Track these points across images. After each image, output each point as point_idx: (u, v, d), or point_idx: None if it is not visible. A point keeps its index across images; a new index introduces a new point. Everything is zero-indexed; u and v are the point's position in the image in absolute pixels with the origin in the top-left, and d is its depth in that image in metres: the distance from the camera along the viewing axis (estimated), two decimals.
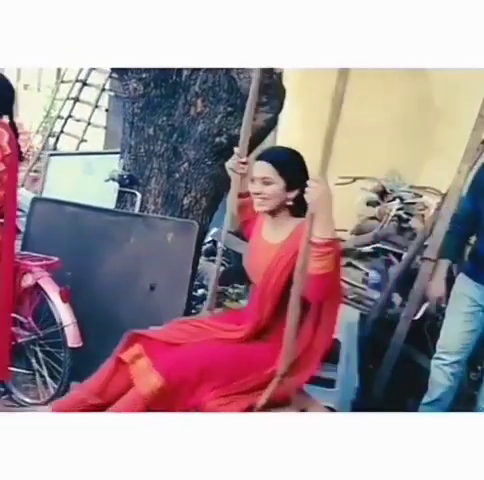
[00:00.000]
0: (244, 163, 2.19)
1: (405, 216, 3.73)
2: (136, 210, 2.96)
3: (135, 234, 2.92)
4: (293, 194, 2.02)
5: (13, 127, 2.52)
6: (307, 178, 1.90)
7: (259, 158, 2.05)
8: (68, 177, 3.75)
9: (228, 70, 2.85)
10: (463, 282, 2.79)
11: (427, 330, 3.38)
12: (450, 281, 3.20)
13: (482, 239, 2.74)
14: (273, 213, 2.06)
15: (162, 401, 1.87)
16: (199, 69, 2.89)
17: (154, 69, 2.88)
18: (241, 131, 2.15)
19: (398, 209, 3.75)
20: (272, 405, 1.92)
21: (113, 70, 3.15)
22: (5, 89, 2.51)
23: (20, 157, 2.55)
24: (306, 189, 1.82)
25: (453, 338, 2.80)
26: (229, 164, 2.21)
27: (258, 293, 2.04)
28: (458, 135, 3.44)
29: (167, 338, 2.03)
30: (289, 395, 1.98)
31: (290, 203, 2.04)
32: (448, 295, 2.87)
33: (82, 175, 3.71)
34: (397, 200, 3.79)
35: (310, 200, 1.80)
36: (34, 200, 3.10)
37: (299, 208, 2.01)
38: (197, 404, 1.89)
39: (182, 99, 2.92)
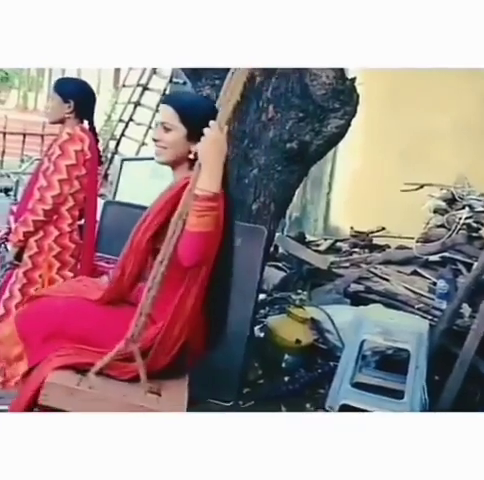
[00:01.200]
0: None
1: (475, 225, 3.64)
2: None
3: None
4: (196, 146, 1.71)
5: (93, 132, 2.59)
6: None
7: (163, 101, 1.86)
8: (138, 181, 3.83)
9: (301, 76, 2.84)
10: None
11: None
12: None
13: None
14: (173, 165, 1.82)
15: (11, 351, 1.79)
16: (272, 75, 2.90)
17: (227, 76, 2.91)
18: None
19: (467, 217, 3.66)
20: (112, 375, 1.71)
21: (188, 76, 3.18)
22: (87, 95, 2.59)
23: (99, 161, 2.62)
24: (201, 138, 1.65)
25: None
26: None
27: (124, 248, 1.81)
28: None
29: (50, 292, 1.95)
30: (140, 369, 1.69)
31: (192, 156, 1.77)
32: None
33: (151, 179, 3.78)
34: (466, 208, 3.70)
35: (200, 148, 1.65)
36: (106, 203, 3.18)
37: None
38: (42, 358, 1.74)
39: (254, 105, 2.93)
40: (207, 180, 1.62)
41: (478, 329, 3.16)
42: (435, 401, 3.07)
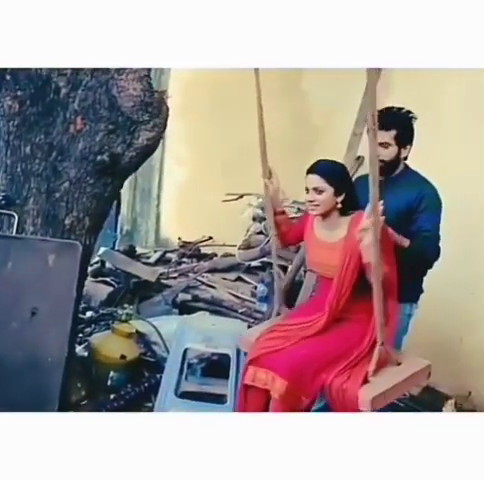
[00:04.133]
0: (270, 179, 2.72)
1: None
2: (13, 232, 2.83)
3: (13, 258, 2.78)
4: (341, 198, 2.43)
5: None
6: (351, 183, 2.50)
7: (309, 172, 2.46)
8: None
9: (108, 88, 2.81)
10: None
11: None
12: None
13: None
14: (325, 215, 2.48)
15: (291, 396, 2.23)
16: (78, 87, 2.83)
17: (30, 87, 2.79)
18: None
19: None
20: (379, 369, 2.29)
21: None
22: None
23: None
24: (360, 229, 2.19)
25: None
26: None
27: (335, 287, 2.43)
28: (335, 153, 3.63)
29: (268, 349, 2.40)
30: (388, 356, 2.34)
31: (339, 205, 2.44)
32: None
33: None
34: None
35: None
36: None
37: (347, 208, 2.45)
38: (322, 387, 2.25)
39: (61, 117, 2.83)
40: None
41: None
42: None
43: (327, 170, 2.46)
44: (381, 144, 2.62)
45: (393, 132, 2.61)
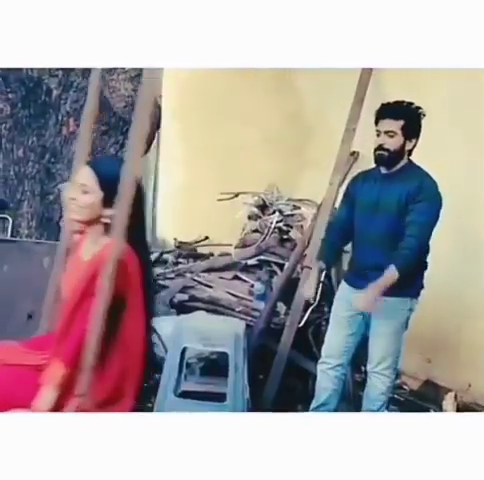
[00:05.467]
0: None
1: (285, 228, 3.86)
2: (8, 235, 2.83)
3: (9, 261, 2.78)
4: (111, 211, 1.81)
5: None
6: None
7: (87, 163, 1.91)
8: None
9: (100, 89, 2.81)
10: (343, 289, 2.93)
11: (312, 336, 3.51)
12: (327, 287, 3.36)
13: (356, 248, 2.89)
14: (86, 224, 1.89)
15: None
16: (69, 89, 2.83)
17: (21, 90, 2.79)
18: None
19: (278, 221, 3.87)
20: None
21: None
22: None
23: None
24: None
25: (335, 342, 2.92)
26: None
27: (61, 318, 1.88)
28: (329, 149, 3.63)
29: None
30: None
31: (107, 221, 1.85)
32: (326, 298, 3.01)
33: None
34: (277, 213, 3.91)
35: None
36: None
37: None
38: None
39: (53, 119, 2.84)
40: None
41: (292, 325, 3.35)
42: (258, 400, 3.19)
43: (105, 169, 1.85)
44: (387, 132, 2.63)
45: (401, 122, 2.63)
